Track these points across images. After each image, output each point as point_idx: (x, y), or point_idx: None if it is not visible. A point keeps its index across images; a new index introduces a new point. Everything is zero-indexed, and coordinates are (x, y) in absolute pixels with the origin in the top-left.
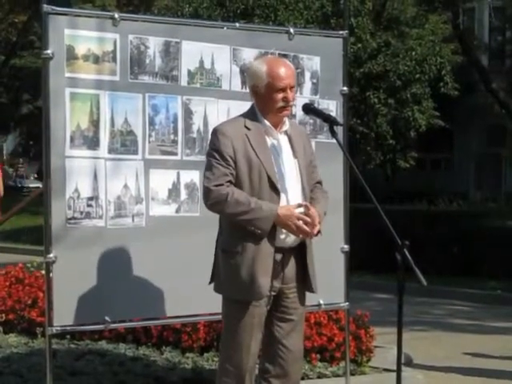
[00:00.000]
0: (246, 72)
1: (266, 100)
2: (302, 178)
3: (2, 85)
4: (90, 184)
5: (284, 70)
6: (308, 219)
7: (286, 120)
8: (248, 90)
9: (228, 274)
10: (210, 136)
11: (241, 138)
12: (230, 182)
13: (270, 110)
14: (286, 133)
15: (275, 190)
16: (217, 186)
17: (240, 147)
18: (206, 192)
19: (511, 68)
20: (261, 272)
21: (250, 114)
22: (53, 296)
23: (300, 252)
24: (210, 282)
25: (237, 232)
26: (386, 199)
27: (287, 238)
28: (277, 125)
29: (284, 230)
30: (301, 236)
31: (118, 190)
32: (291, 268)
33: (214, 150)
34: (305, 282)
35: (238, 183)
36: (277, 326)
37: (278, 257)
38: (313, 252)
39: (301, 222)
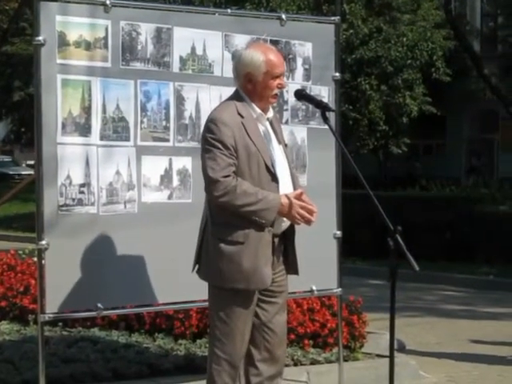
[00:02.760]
0: (237, 60)
1: (262, 87)
2: (289, 164)
3: None
4: (81, 171)
5: (278, 58)
6: (309, 207)
7: (270, 107)
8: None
9: (228, 263)
10: (202, 122)
11: (238, 126)
12: (234, 172)
13: (264, 96)
14: (267, 119)
15: (274, 178)
16: (225, 177)
17: (239, 136)
18: (214, 183)
19: (503, 53)
20: (263, 261)
21: (239, 100)
22: (45, 283)
23: (285, 236)
24: (193, 270)
25: (237, 222)
26: (378, 185)
27: (282, 224)
28: (264, 112)
29: (283, 218)
30: (300, 223)
31: (110, 177)
32: (279, 253)
33: (216, 140)
34: (287, 265)
35: (238, 173)
36: (262, 310)
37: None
38: (295, 236)
39: (302, 210)
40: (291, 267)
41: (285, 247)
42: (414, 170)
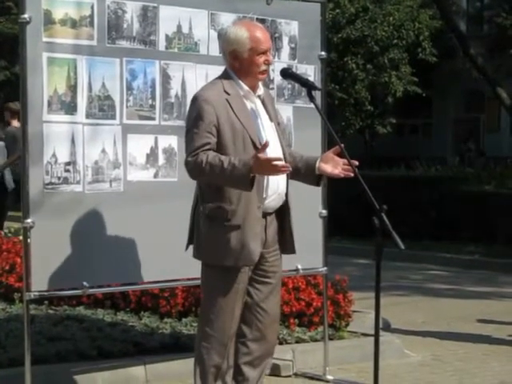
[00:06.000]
0: (223, 37)
1: (248, 64)
2: (281, 141)
3: None
4: (67, 149)
5: (263, 34)
6: (278, 157)
7: (260, 84)
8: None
9: (216, 240)
10: (188, 101)
11: (222, 103)
12: (209, 149)
13: (251, 73)
14: (259, 97)
15: None
16: (193, 155)
17: (222, 114)
18: (185, 164)
19: (489, 33)
20: (251, 238)
21: (227, 78)
22: (31, 261)
23: (280, 215)
24: (187, 249)
25: (224, 198)
26: (364, 164)
27: (271, 203)
28: (253, 89)
29: (269, 194)
30: (280, 174)
31: (95, 155)
32: (272, 232)
33: (197, 118)
34: (283, 244)
35: (222, 150)
36: (255, 289)
37: (263, 222)
38: (291, 214)
39: (276, 162)
40: (288, 246)
41: (281, 226)
42: (465, 151)
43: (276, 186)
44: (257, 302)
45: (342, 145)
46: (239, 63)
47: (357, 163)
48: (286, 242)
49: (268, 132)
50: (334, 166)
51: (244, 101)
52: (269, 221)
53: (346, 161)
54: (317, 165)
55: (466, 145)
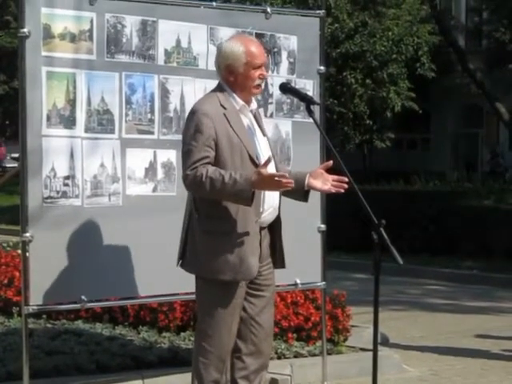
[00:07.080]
0: (218, 52)
1: (243, 78)
2: (274, 156)
3: None
4: (66, 163)
5: (258, 48)
6: (280, 173)
7: (253, 99)
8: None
9: (213, 255)
10: (186, 115)
11: (220, 117)
12: (207, 163)
13: (246, 87)
14: (251, 111)
15: None
16: (192, 169)
17: (221, 128)
18: (184, 178)
19: (488, 48)
20: (249, 252)
21: (222, 92)
22: (29, 275)
23: (271, 229)
24: (178, 263)
25: (223, 213)
26: (363, 179)
27: (267, 216)
28: (247, 103)
29: (266, 208)
30: (282, 189)
31: (94, 169)
32: (266, 245)
33: (195, 132)
34: (274, 258)
35: (220, 164)
36: (250, 303)
37: (259, 236)
38: (282, 228)
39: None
40: (278, 261)
41: (272, 240)
42: (496, 166)
43: (272, 200)
44: (252, 316)
45: (336, 159)
46: (234, 77)
47: (346, 180)
48: (276, 257)
49: (263, 147)
50: (324, 182)
51: (240, 115)
52: (263, 235)
53: (335, 177)
54: (306, 181)
55: (496, 160)
